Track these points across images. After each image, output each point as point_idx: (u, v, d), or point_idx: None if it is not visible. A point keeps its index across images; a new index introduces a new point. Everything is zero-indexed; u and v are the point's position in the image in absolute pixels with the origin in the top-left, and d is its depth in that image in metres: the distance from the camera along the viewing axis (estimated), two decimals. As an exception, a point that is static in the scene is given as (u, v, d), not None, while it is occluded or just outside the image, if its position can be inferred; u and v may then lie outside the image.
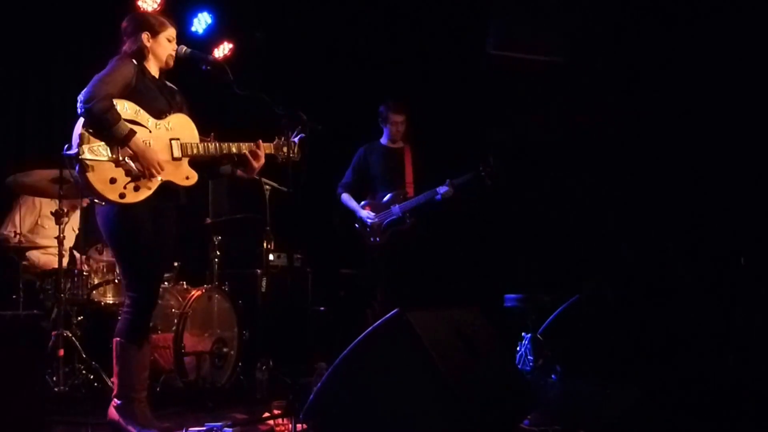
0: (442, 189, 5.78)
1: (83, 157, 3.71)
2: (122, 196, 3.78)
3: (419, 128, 6.23)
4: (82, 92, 3.74)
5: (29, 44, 6.17)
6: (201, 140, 4.10)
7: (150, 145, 3.86)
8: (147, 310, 4.02)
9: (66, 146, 3.79)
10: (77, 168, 3.73)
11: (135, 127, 3.81)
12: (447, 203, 5.82)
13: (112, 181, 3.76)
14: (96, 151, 3.74)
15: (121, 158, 3.78)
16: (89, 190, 3.77)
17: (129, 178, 3.80)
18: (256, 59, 7.04)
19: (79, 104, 3.73)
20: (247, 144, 4.18)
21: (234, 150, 4.16)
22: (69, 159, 3.78)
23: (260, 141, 4.20)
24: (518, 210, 7.00)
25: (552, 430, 4.10)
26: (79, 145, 3.71)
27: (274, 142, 4.26)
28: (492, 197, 6.60)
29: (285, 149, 4.22)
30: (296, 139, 4.20)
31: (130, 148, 3.78)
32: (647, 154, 6.65)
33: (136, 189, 3.83)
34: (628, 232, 6.74)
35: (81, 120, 3.77)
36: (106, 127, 3.73)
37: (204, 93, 4.90)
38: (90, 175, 3.72)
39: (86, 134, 3.72)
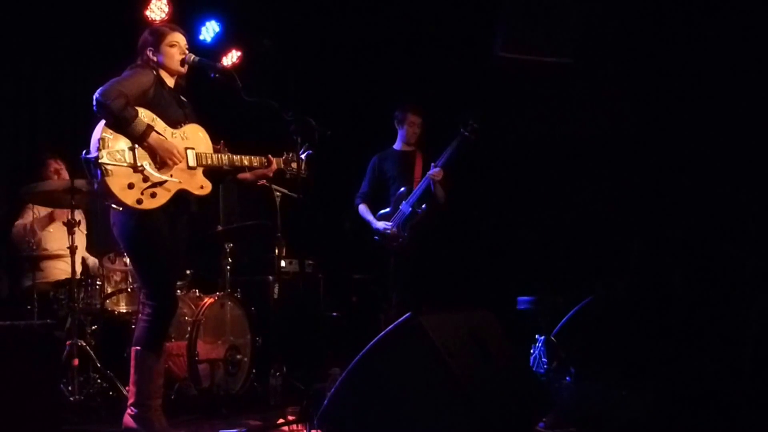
0: (432, 171, 5.88)
1: (102, 161, 3.73)
2: (139, 201, 3.81)
3: (427, 131, 6.23)
4: (98, 90, 3.75)
5: (38, 54, 6.20)
6: (214, 150, 4.15)
7: None
8: (167, 317, 4.03)
9: (84, 151, 3.81)
10: (98, 173, 3.75)
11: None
12: (443, 183, 5.90)
13: (130, 186, 3.79)
14: (114, 156, 3.76)
15: (138, 164, 3.80)
16: (107, 194, 3.78)
17: (146, 184, 3.83)
18: (264, 66, 7.05)
19: (94, 101, 3.73)
20: (258, 158, 4.26)
21: (246, 163, 4.25)
22: (88, 163, 3.79)
23: (270, 156, 4.28)
24: (529, 211, 6.98)
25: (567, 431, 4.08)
26: (99, 149, 3.74)
27: (283, 157, 4.33)
28: (505, 198, 6.60)
29: (293, 165, 4.32)
30: (304, 156, 4.24)
31: (149, 143, 3.81)
32: (658, 153, 6.62)
33: (153, 196, 3.85)
34: (640, 232, 6.71)
35: (100, 124, 3.79)
36: (123, 124, 3.75)
37: (213, 100, 4.92)
38: (109, 180, 3.75)
39: (106, 138, 3.75)
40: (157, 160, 3.88)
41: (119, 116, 3.74)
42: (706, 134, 6.34)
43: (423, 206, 5.89)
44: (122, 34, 4.30)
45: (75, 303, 4.93)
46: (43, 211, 5.52)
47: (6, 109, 6.03)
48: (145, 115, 3.87)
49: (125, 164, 3.79)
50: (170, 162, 3.88)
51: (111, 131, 3.78)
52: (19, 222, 5.51)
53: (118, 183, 3.77)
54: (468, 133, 5.94)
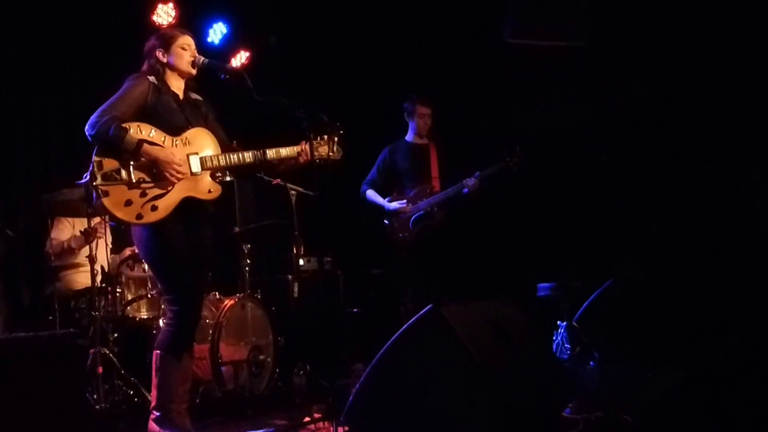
0: (470, 181, 5.78)
1: (96, 183, 3.77)
2: (139, 216, 3.83)
3: (441, 123, 6.21)
4: (90, 119, 3.82)
5: (50, 64, 6.22)
6: (231, 150, 4.13)
7: None
8: (189, 323, 4.04)
9: (84, 175, 3.86)
10: (93, 195, 3.80)
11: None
12: (473, 196, 5.82)
13: (128, 203, 3.81)
14: (110, 176, 3.79)
15: (134, 179, 3.83)
16: (107, 214, 3.85)
17: (144, 199, 3.84)
18: (273, 64, 7.05)
19: (86, 131, 3.81)
20: (288, 148, 4.20)
21: (273, 156, 4.18)
22: (87, 187, 3.85)
23: (303, 142, 4.20)
24: (545, 197, 6.95)
25: (594, 417, 4.05)
26: (92, 172, 3.78)
27: (314, 142, 4.20)
28: (519, 186, 6.57)
29: (320, 149, 4.24)
30: (336, 138, 4.21)
31: (143, 156, 3.83)
32: (674, 136, 6.57)
33: (154, 209, 3.87)
34: (658, 213, 6.66)
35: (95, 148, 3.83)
36: (114, 145, 3.79)
37: (224, 102, 4.92)
38: (105, 201, 3.78)
39: (99, 161, 3.79)
40: (154, 173, 3.87)
41: (107, 140, 3.77)
42: (723, 114, 6.28)
43: (441, 211, 5.87)
44: (129, 39, 4.30)
45: (96, 311, 4.95)
46: (78, 225, 5.53)
47: (17, 119, 6.06)
48: (141, 129, 3.87)
49: (120, 182, 3.81)
50: (169, 175, 3.87)
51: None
52: (56, 238, 5.51)
53: (115, 202, 3.79)
54: (512, 164, 5.85)
